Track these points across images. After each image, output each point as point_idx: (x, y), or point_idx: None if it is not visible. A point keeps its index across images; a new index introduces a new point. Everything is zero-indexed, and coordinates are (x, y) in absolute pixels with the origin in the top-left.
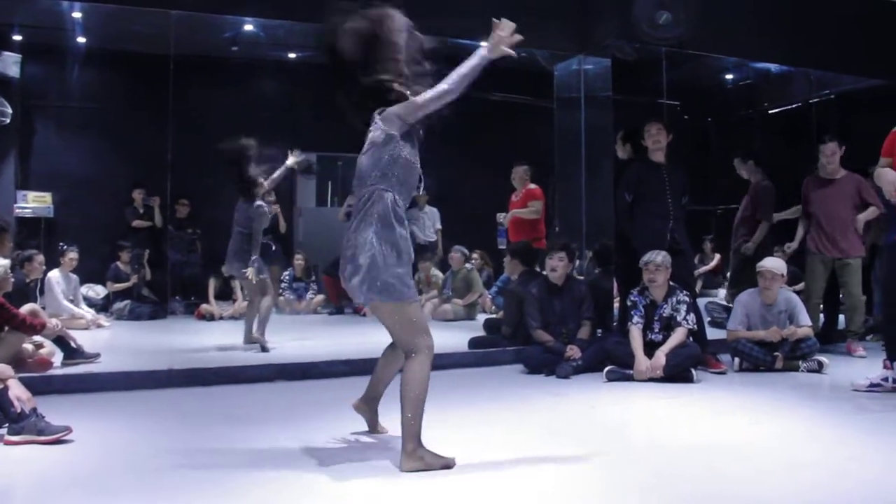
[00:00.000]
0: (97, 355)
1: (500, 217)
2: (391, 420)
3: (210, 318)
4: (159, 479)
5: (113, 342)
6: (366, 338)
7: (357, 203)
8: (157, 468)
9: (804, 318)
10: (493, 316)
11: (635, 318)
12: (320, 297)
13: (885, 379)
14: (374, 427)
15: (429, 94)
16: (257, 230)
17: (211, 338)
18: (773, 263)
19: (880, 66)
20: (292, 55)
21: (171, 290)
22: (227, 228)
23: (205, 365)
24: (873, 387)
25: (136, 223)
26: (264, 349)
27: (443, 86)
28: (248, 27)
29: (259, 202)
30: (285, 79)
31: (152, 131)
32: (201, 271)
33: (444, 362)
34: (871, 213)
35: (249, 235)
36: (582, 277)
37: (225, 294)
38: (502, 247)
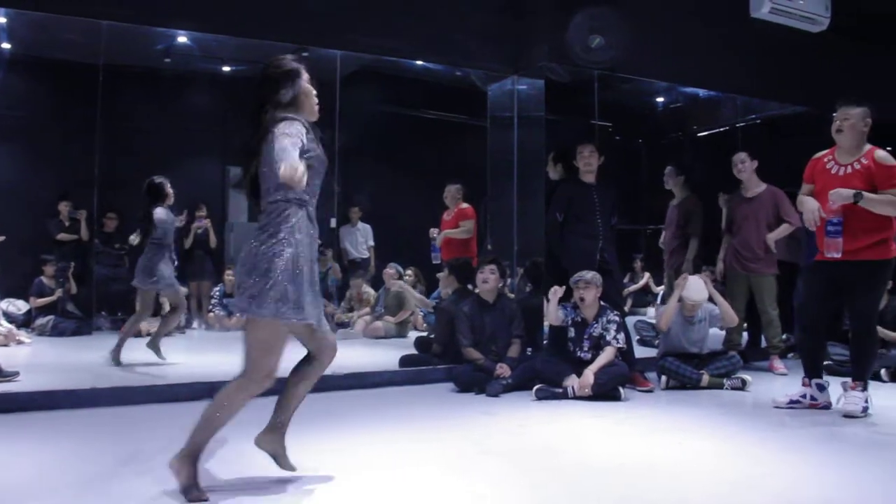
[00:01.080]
0: (16, 373)
1: (433, 233)
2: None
3: (137, 334)
4: None
5: (33, 359)
6: (296, 355)
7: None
8: (77, 493)
9: (722, 312)
10: (425, 334)
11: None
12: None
13: (804, 396)
14: (281, 462)
15: None
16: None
17: (138, 355)
18: (697, 297)
19: (802, 94)
20: (226, 68)
21: (96, 305)
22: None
23: (131, 383)
24: (793, 403)
25: (62, 236)
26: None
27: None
28: (182, 39)
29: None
30: (219, 92)
31: (80, 142)
32: (128, 286)
33: (375, 380)
34: (783, 230)
35: (158, 245)
36: (513, 296)
37: (154, 310)
38: (437, 262)
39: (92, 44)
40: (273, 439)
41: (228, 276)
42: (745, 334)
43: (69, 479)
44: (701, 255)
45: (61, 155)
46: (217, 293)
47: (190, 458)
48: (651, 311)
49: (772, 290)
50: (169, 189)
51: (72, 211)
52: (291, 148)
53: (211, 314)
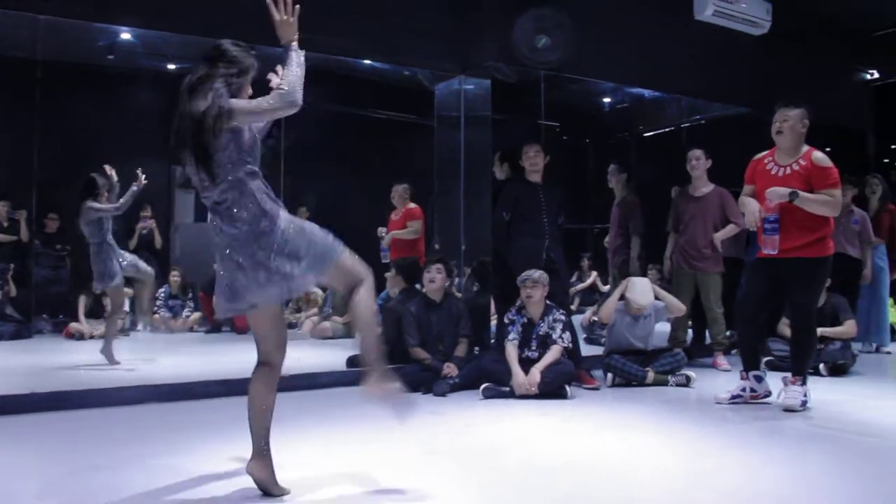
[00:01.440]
0: None
1: (381, 232)
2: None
3: (80, 336)
4: None
5: None
6: (243, 356)
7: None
8: (20, 499)
9: (667, 304)
10: None
11: (511, 336)
12: (197, 314)
13: (744, 389)
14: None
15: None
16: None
17: (80, 358)
18: (642, 300)
19: (745, 95)
20: (171, 66)
21: (36, 307)
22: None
23: (72, 387)
24: (734, 398)
25: (0, 237)
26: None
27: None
28: (126, 36)
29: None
30: (164, 90)
31: (18, 141)
32: (70, 288)
33: (322, 381)
34: (729, 230)
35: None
36: (460, 295)
37: (96, 312)
38: (385, 261)
39: (28, 39)
40: (262, 467)
41: (174, 277)
42: (690, 331)
43: (8, 487)
44: (643, 253)
45: None
46: (162, 294)
47: (259, 457)
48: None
49: (717, 288)
50: (100, 181)
51: (10, 211)
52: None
53: (156, 315)
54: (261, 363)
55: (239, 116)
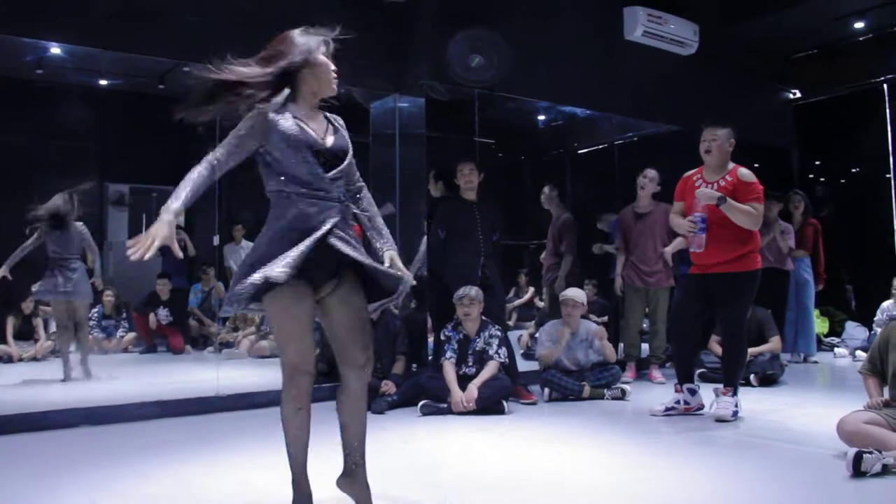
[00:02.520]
0: None
1: None
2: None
3: (8, 359)
4: None
5: None
6: (179, 377)
7: None
8: None
9: (602, 346)
10: None
11: (448, 353)
12: (131, 335)
13: (678, 402)
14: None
15: None
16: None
17: (7, 380)
18: (575, 293)
19: (674, 114)
20: (104, 82)
21: None
22: (28, 263)
23: (1, 411)
24: (668, 410)
25: None
26: None
27: None
28: (55, 50)
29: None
30: (96, 106)
31: None
32: None
33: (259, 400)
34: (678, 243)
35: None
36: (397, 312)
37: (25, 333)
38: None
39: None
40: (352, 483)
41: (107, 297)
42: (643, 346)
43: None
44: (574, 272)
45: None
46: (95, 314)
47: (296, 484)
48: (531, 326)
49: (665, 303)
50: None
51: None
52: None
53: (90, 336)
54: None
55: None
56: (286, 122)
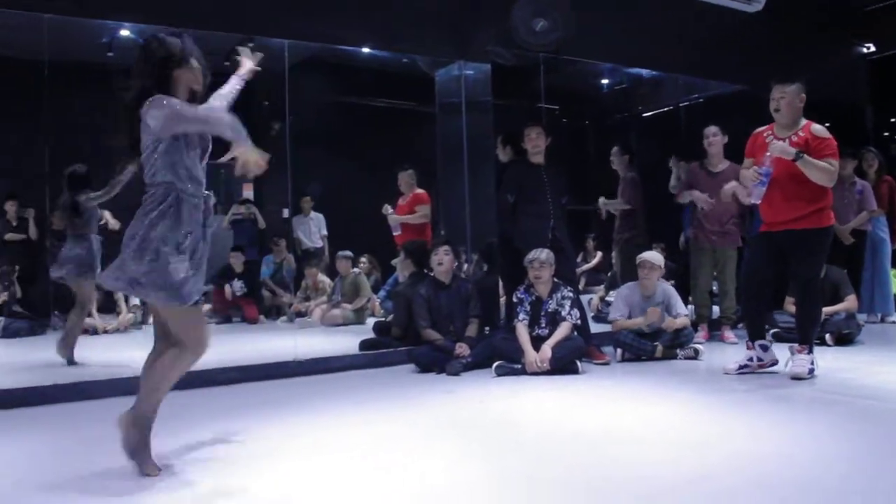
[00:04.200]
0: None
1: (387, 209)
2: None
3: (93, 331)
4: (60, 496)
5: None
6: (257, 344)
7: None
8: (56, 484)
9: (681, 309)
10: (383, 319)
11: (521, 315)
12: (206, 306)
13: (751, 359)
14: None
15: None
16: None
17: (95, 351)
18: (651, 255)
19: (742, 73)
20: None
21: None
22: (107, 240)
23: (91, 378)
24: (742, 368)
25: (9, 236)
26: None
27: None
28: (125, 32)
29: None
30: None
31: (25, 140)
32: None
33: (335, 365)
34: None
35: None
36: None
37: (108, 307)
38: (396, 232)
39: (34, 38)
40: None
41: None
42: (714, 307)
43: (37, 475)
44: (640, 228)
45: (6, 154)
46: None
47: (138, 422)
48: (600, 290)
49: (733, 263)
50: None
51: (19, 210)
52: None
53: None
54: None
55: None
56: None
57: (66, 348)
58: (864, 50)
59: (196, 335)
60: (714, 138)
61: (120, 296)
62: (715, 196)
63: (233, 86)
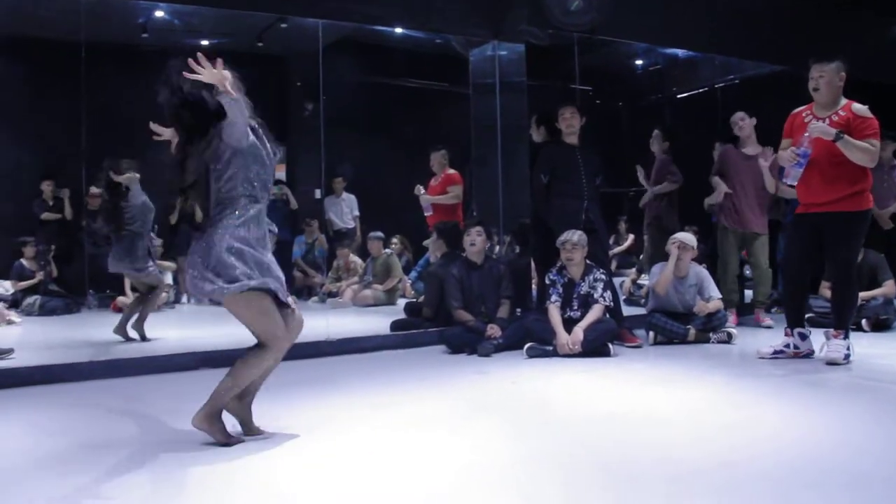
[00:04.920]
0: (10, 350)
1: (419, 189)
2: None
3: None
4: (90, 471)
5: (25, 338)
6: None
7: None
8: (89, 459)
9: (714, 292)
10: (414, 300)
11: (553, 297)
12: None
13: (787, 346)
14: (248, 427)
15: None
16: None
17: (130, 330)
18: (685, 236)
19: (780, 53)
20: (205, 42)
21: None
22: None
23: (126, 355)
24: (777, 353)
25: (45, 216)
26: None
27: None
28: (159, 13)
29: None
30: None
31: (62, 121)
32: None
33: (367, 345)
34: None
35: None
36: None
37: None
38: (428, 213)
39: (71, 20)
40: (241, 407)
41: None
42: (746, 291)
43: (73, 448)
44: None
45: (43, 135)
46: None
47: (213, 416)
48: (632, 273)
49: (765, 246)
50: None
51: (55, 190)
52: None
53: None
54: None
55: None
56: None
57: (140, 326)
58: None
59: (265, 327)
60: (742, 122)
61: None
62: (748, 180)
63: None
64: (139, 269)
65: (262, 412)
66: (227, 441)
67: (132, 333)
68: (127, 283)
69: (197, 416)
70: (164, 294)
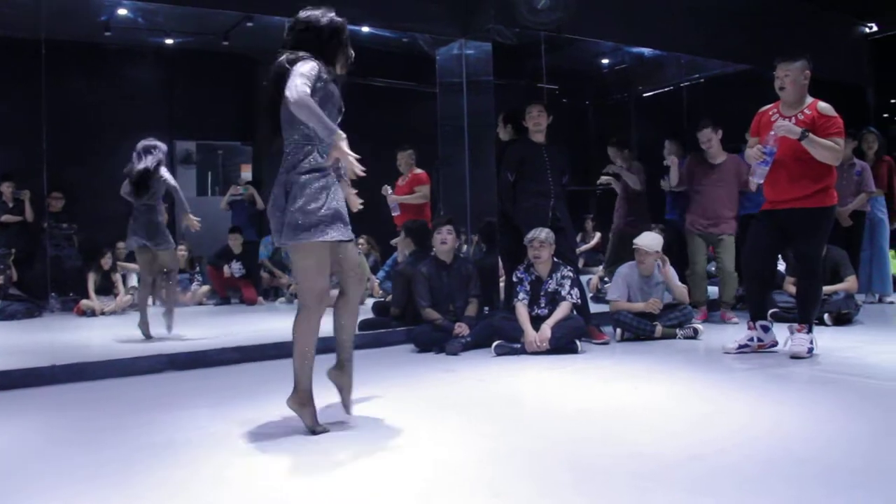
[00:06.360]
0: None
1: (386, 189)
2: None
3: (91, 313)
4: (57, 476)
5: None
6: (255, 325)
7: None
8: (54, 466)
9: (677, 283)
10: (382, 299)
11: (521, 295)
12: (205, 287)
13: (751, 339)
14: (345, 393)
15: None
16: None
17: (93, 333)
18: (646, 241)
19: (745, 53)
20: (170, 41)
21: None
22: (105, 221)
23: (90, 359)
24: (741, 348)
25: (5, 218)
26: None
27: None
28: (123, 11)
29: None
30: (164, 65)
31: (21, 121)
32: (79, 266)
33: (333, 345)
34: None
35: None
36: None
37: (105, 289)
38: (395, 213)
39: (30, 17)
40: (340, 374)
41: (180, 251)
42: (712, 289)
43: (46, 453)
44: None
45: (2, 135)
46: None
47: (302, 397)
48: (599, 270)
49: (732, 249)
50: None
51: (15, 191)
52: (301, 82)
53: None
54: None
55: None
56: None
57: (169, 318)
58: (866, 29)
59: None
60: (709, 141)
61: (118, 277)
62: (714, 188)
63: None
64: (158, 244)
65: (228, 415)
66: (313, 428)
67: (154, 331)
68: (90, 286)
69: (289, 398)
70: (128, 297)
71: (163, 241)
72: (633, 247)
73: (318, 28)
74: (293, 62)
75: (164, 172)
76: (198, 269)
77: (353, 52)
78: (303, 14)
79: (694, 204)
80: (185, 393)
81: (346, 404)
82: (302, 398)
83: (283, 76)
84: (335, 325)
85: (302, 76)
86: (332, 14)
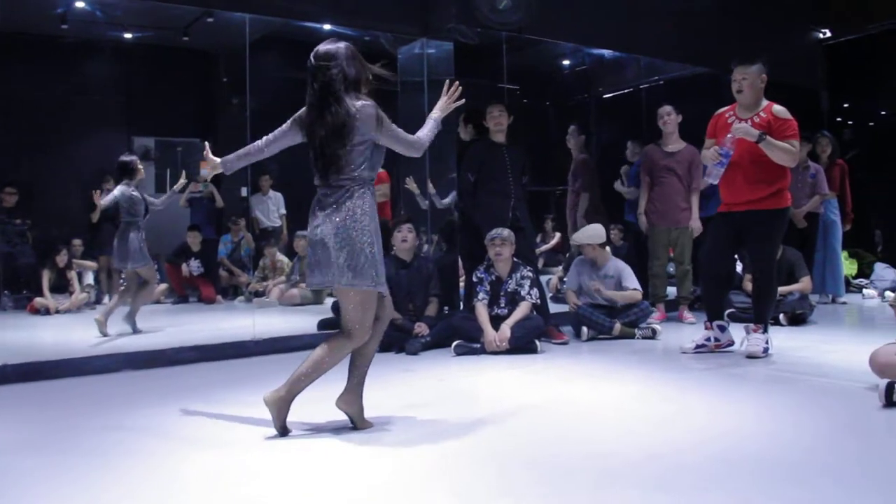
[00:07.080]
0: None
1: None
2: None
3: (45, 311)
4: (9, 478)
5: None
6: (213, 324)
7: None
8: (6, 468)
9: (632, 283)
10: None
11: (481, 295)
12: (163, 286)
13: (708, 339)
14: (359, 421)
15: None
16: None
17: (48, 332)
18: (585, 236)
19: (702, 55)
20: (128, 35)
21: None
22: (61, 217)
23: (44, 358)
24: (699, 348)
25: None
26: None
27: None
28: (80, 4)
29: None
30: (122, 60)
31: None
32: (33, 263)
33: (294, 344)
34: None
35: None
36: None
37: (60, 287)
38: None
39: None
40: (351, 400)
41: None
42: (671, 289)
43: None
44: (591, 209)
45: None
46: None
47: (286, 401)
48: (558, 270)
49: (690, 242)
50: (139, 166)
51: None
52: (405, 136)
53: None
54: None
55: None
56: None
57: (132, 320)
58: (820, 35)
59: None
60: (668, 117)
61: (73, 275)
62: (670, 176)
63: (432, 128)
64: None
65: (186, 414)
66: (282, 431)
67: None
68: (45, 284)
69: (271, 395)
70: (83, 294)
71: (139, 260)
72: (577, 242)
73: (341, 63)
74: (355, 117)
75: (148, 198)
76: (156, 266)
77: (372, 68)
78: (321, 49)
79: (652, 194)
80: (142, 392)
81: (366, 424)
82: (285, 400)
83: (345, 125)
84: (358, 349)
85: (396, 131)
86: (341, 43)
